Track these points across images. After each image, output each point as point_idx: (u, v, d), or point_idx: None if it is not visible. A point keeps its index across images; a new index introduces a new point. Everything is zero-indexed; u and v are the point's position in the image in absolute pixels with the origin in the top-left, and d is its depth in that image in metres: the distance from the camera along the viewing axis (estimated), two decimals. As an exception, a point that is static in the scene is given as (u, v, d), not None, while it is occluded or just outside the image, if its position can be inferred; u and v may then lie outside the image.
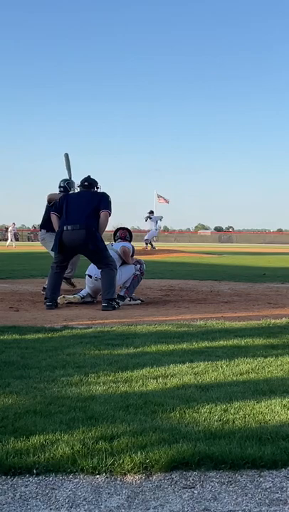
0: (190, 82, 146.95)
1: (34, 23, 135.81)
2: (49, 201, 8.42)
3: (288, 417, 2.77)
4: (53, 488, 2.12)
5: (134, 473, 2.21)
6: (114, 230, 8.29)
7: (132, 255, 7.67)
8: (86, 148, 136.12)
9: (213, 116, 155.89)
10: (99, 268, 7.11)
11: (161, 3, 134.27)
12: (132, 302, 7.40)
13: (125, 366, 3.75)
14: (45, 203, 8.68)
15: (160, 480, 2.18)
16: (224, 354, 4.16)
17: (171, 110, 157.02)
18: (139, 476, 2.20)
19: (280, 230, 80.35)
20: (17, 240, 43.89)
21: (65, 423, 2.64)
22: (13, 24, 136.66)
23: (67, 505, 2.01)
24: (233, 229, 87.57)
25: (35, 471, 2.22)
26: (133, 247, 7.78)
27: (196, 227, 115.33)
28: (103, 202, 7.12)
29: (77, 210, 7.06)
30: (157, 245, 27.65)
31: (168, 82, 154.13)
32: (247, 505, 2.01)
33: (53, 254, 7.58)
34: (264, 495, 2.09)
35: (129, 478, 2.19)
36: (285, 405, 2.94)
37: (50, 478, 2.19)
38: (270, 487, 2.14)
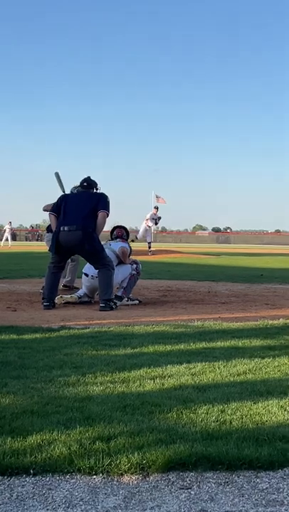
0: (190, 81, 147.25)
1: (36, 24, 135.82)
2: (45, 211, 8.41)
3: (285, 418, 2.78)
4: (50, 489, 2.12)
5: (131, 473, 2.21)
6: (111, 229, 8.30)
7: (129, 255, 7.68)
8: (86, 148, 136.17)
9: (213, 116, 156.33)
10: (96, 268, 7.10)
11: (159, 3, 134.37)
12: (130, 302, 7.40)
13: (123, 367, 3.75)
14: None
15: (157, 480, 2.18)
16: (221, 355, 4.16)
17: (171, 110, 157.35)
18: (136, 476, 2.20)
19: (277, 231, 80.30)
20: (14, 239, 43.39)
21: (62, 423, 2.64)
22: (13, 24, 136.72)
23: (64, 505, 2.01)
24: (230, 230, 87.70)
25: (32, 471, 2.22)
26: (130, 247, 7.79)
27: (193, 227, 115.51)
28: (101, 202, 7.11)
29: (75, 211, 7.06)
30: (154, 246, 27.35)
31: (167, 81, 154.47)
32: (244, 506, 2.01)
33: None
34: (261, 496, 2.09)
35: (126, 478, 2.19)
36: (282, 406, 2.95)
37: (47, 479, 2.18)
38: (266, 488, 2.14)
